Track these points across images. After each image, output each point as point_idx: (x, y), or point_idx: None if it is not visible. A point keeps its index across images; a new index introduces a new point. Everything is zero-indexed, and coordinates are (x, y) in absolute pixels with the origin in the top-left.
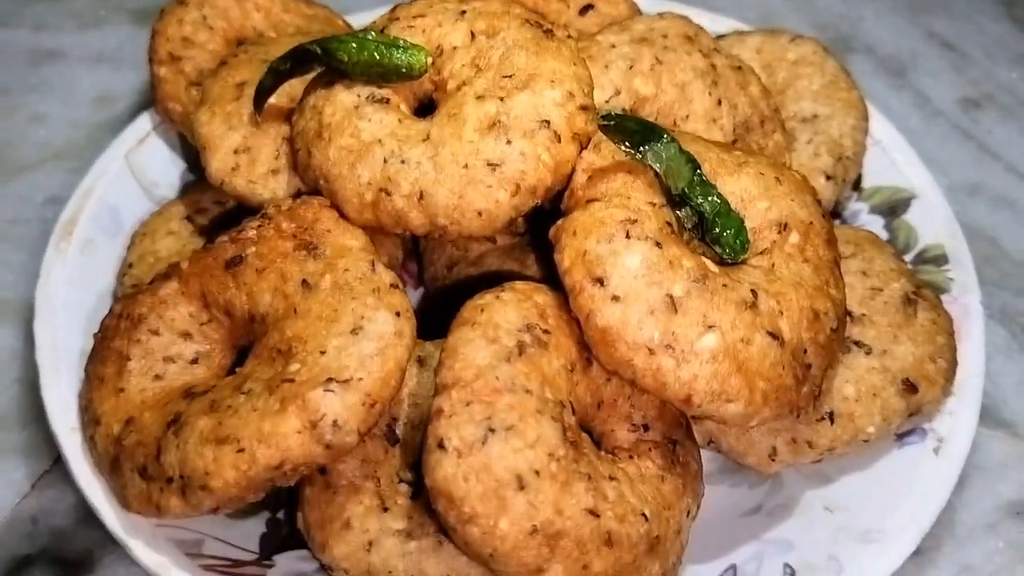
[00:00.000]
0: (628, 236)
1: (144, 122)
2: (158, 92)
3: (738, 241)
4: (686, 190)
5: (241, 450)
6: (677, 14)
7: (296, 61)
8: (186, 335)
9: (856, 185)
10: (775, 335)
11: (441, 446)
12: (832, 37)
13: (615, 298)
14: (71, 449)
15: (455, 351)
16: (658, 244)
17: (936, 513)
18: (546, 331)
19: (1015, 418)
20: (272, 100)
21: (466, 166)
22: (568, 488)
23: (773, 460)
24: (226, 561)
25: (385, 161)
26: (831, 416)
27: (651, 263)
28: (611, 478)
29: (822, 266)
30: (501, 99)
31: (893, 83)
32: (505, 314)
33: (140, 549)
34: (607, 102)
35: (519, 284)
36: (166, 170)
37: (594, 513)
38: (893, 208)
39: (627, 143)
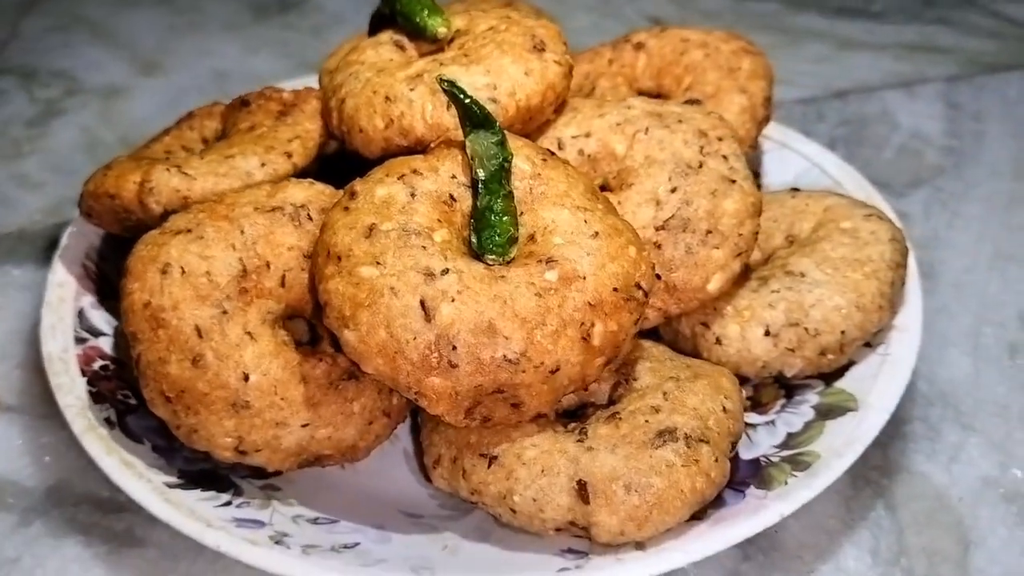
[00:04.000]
0: (399, 178)
1: None
2: None
3: (488, 243)
4: (483, 180)
5: (106, 175)
6: (720, 116)
7: (390, 4)
8: (204, 140)
9: (830, 379)
10: (425, 308)
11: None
12: None
13: (346, 209)
14: None
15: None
16: (413, 195)
17: None
18: (312, 216)
19: None
20: None
21: (374, 92)
22: (199, 304)
23: (436, 468)
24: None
25: (351, 75)
26: (491, 459)
27: (389, 199)
28: (254, 339)
29: (551, 313)
30: (442, 64)
31: None
32: (296, 192)
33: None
34: (573, 137)
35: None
36: None
37: (200, 334)
38: (828, 411)
39: (465, 118)
